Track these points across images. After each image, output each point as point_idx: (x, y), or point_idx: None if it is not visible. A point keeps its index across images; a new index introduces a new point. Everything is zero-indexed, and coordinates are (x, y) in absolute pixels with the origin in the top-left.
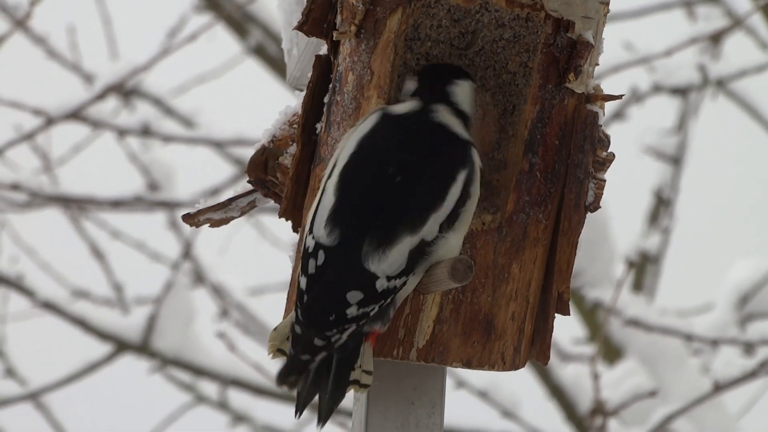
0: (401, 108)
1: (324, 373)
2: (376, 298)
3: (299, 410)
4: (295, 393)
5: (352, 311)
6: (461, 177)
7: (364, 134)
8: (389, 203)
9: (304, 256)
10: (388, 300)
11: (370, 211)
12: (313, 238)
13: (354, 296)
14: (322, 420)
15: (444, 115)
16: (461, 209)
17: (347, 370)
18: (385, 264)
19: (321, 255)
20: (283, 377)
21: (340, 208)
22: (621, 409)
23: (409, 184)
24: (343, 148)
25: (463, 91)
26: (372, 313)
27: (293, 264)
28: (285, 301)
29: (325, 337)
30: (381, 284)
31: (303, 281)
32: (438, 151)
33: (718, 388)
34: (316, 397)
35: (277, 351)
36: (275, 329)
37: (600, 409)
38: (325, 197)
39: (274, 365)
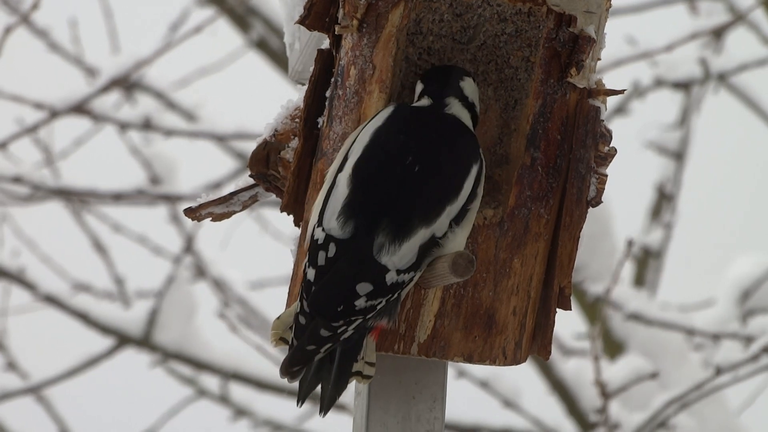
0: (415, 104)
1: (326, 363)
2: (384, 291)
3: (301, 399)
4: (297, 384)
5: (360, 303)
6: (474, 171)
7: (379, 126)
8: (406, 192)
9: (312, 248)
10: (395, 295)
11: (386, 201)
12: (323, 230)
13: (363, 288)
14: (324, 409)
15: (457, 108)
16: (468, 207)
17: (350, 361)
18: (397, 257)
19: (332, 247)
20: (287, 368)
21: (354, 200)
22: (622, 390)
23: (427, 174)
24: (354, 140)
25: (471, 88)
26: (379, 307)
27: (295, 258)
28: (287, 295)
29: (332, 328)
30: (391, 277)
31: (311, 273)
32: (454, 142)
33: (720, 372)
34: (318, 388)
35: (280, 340)
36: (278, 318)
37: (602, 391)
38: (338, 190)
39: (277, 352)
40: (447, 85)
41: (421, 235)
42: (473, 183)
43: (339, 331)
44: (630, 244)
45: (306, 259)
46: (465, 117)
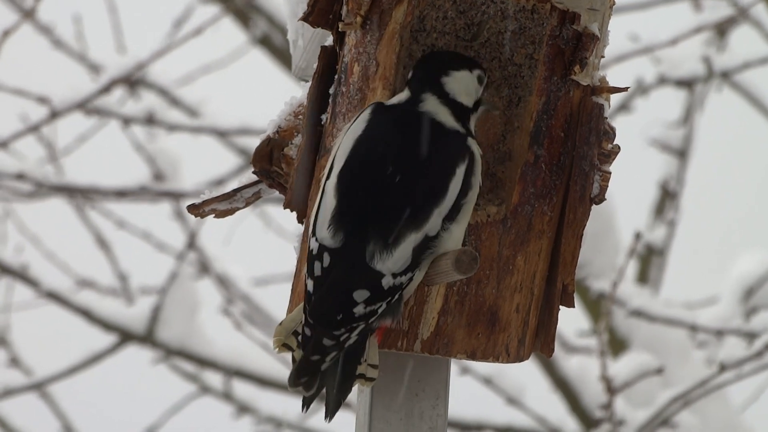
0: (393, 100)
1: (330, 368)
2: (383, 295)
3: (306, 405)
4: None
5: (359, 310)
6: (461, 170)
7: (359, 134)
8: (390, 203)
9: (309, 258)
10: (396, 296)
11: (372, 211)
12: (316, 240)
13: (361, 295)
14: (330, 414)
15: (432, 105)
16: (463, 201)
17: (354, 364)
18: (390, 262)
19: (326, 257)
20: (295, 380)
21: (341, 210)
22: (628, 386)
23: (408, 183)
24: (338, 147)
25: (458, 82)
26: (380, 311)
27: (298, 255)
28: (290, 292)
29: (334, 336)
30: (387, 282)
31: (310, 284)
32: (434, 145)
33: (724, 368)
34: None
35: (283, 346)
36: (280, 324)
37: (608, 387)
38: (326, 199)
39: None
40: (425, 80)
41: (412, 239)
42: (462, 180)
43: (342, 339)
44: (638, 236)
45: (305, 270)
46: (442, 113)
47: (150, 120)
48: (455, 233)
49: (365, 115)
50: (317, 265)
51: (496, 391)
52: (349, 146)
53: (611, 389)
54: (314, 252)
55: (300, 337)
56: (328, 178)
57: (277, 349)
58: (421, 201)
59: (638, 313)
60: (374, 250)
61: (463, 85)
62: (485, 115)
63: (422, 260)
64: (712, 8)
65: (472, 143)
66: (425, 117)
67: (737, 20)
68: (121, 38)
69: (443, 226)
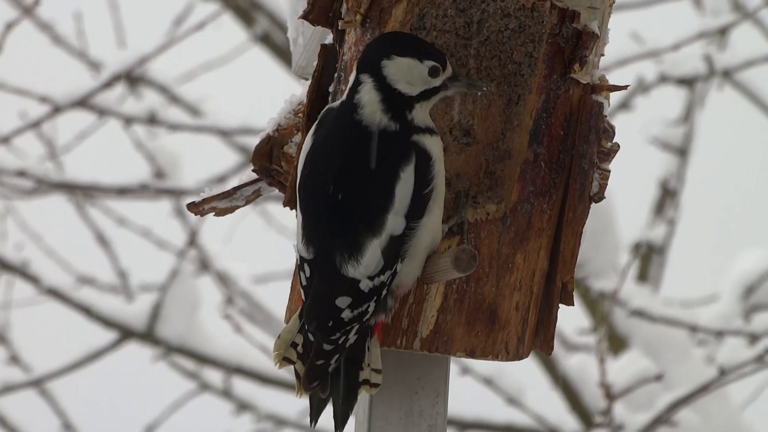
0: (337, 103)
1: (335, 377)
2: (366, 297)
3: (314, 419)
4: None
5: (346, 314)
6: (407, 173)
7: (307, 152)
8: (339, 219)
9: (297, 269)
10: (383, 294)
11: (329, 227)
12: (297, 251)
13: (343, 301)
14: (339, 426)
15: (366, 91)
16: (424, 193)
17: (356, 369)
18: (362, 268)
19: (306, 268)
20: (307, 386)
21: (306, 225)
22: (627, 392)
23: (349, 200)
24: (299, 159)
25: (397, 67)
26: (371, 309)
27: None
28: (289, 290)
29: (332, 341)
30: (365, 285)
31: (302, 292)
32: (369, 158)
33: (724, 373)
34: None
35: (283, 360)
36: (278, 337)
37: (607, 393)
38: (297, 213)
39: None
40: (367, 60)
41: (376, 244)
42: (414, 179)
43: (340, 342)
44: (637, 247)
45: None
46: (372, 103)
47: (152, 119)
48: (429, 224)
49: (312, 129)
50: (302, 276)
51: (496, 391)
52: (301, 164)
53: (610, 395)
54: (298, 263)
55: (299, 348)
56: (296, 191)
57: (278, 365)
58: (369, 212)
59: (639, 314)
60: (341, 260)
61: (403, 72)
62: (485, 110)
63: (400, 255)
64: (714, 7)
65: (419, 139)
66: (357, 126)
67: (740, 23)
68: (122, 36)
69: (409, 224)
